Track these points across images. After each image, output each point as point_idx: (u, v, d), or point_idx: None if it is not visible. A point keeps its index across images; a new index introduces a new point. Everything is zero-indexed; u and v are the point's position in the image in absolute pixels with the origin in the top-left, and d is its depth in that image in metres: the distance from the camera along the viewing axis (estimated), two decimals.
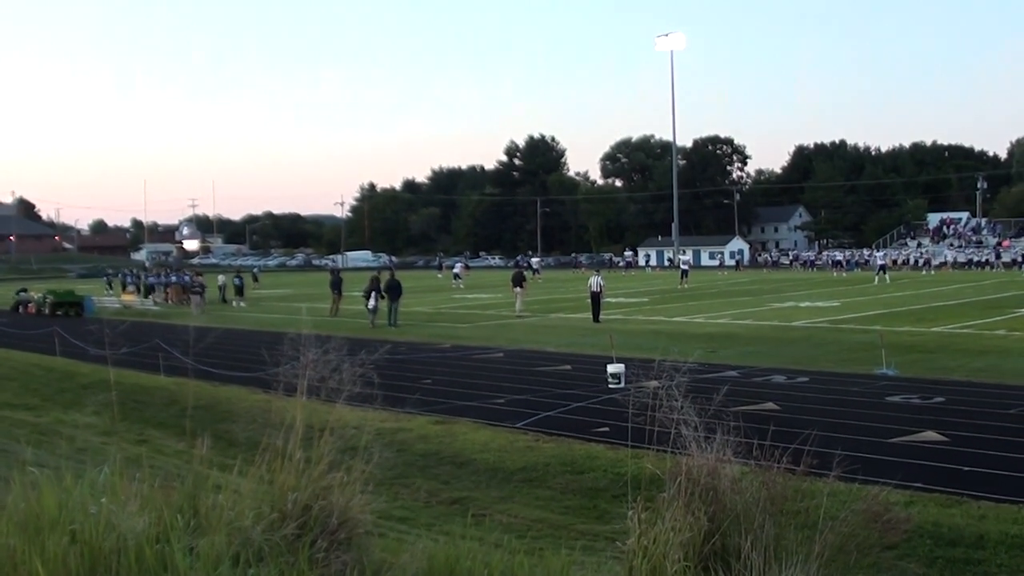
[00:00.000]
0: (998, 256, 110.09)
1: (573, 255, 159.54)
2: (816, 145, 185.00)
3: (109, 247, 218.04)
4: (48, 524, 5.87)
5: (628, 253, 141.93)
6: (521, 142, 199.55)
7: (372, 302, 42.48)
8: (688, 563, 6.39)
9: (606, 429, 17.48)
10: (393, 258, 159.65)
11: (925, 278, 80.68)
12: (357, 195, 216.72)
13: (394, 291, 42.58)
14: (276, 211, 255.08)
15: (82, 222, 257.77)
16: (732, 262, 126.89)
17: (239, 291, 62.18)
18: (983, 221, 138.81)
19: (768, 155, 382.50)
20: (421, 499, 14.05)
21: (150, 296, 66.91)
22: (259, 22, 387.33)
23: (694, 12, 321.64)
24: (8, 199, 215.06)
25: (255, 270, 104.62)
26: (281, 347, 7.40)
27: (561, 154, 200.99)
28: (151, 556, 5.63)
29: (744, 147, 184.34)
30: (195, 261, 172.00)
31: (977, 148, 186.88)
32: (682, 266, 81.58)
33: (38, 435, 18.93)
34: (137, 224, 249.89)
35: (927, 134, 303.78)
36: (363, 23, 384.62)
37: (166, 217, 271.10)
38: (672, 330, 37.02)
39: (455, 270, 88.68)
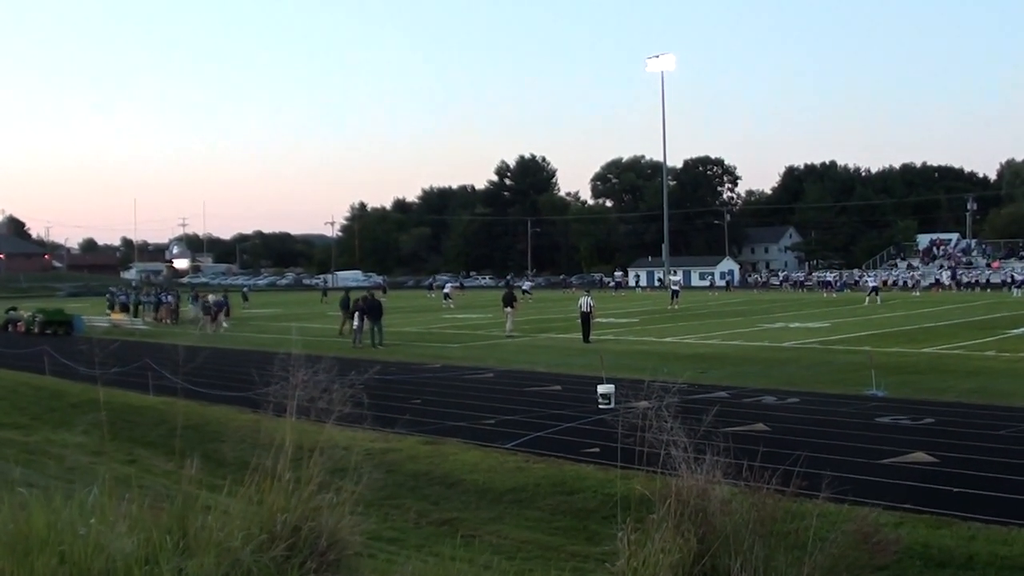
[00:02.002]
0: (954, 276, 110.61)
1: (563, 276, 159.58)
2: (806, 166, 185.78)
3: (99, 266, 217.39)
4: (37, 545, 5.85)
5: (618, 274, 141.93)
6: (512, 162, 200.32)
7: (357, 322, 42.93)
8: None
9: (596, 450, 17.47)
10: (384, 278, 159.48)
11: (915, 299, 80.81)
12: (347, 215, 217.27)
13: (374, 311, 42.66)
14: (266, 230, 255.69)
15: (72, 240, 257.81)
16: (722, 283, 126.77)
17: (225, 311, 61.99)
18: (973, 242, 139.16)
19: (758, 176, 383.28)
20: (411, 520, 14.03)
21: (139, 315, 66.73)
22: (250, 43, 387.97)
23: (685, 34, 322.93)
24: None
25: (245, 289, 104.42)
26: (271, 367, 7.40)
27: (552, 174, 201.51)
28: None
29: (734, 168, 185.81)
30: (184, 280, 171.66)
31: (967, 169, 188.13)
32: (672, 287, 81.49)
33: (27, 454, 18.92)
34: (127, 243, 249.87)
35: (917, 155, 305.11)
36: (352, 44, 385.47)
37: (156, 236, 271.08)
38: (662, 351, 37.01)
39: (445, 290, 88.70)
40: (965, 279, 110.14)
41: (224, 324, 57.67)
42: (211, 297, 58.58)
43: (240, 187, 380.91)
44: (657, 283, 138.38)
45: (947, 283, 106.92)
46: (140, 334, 53.60)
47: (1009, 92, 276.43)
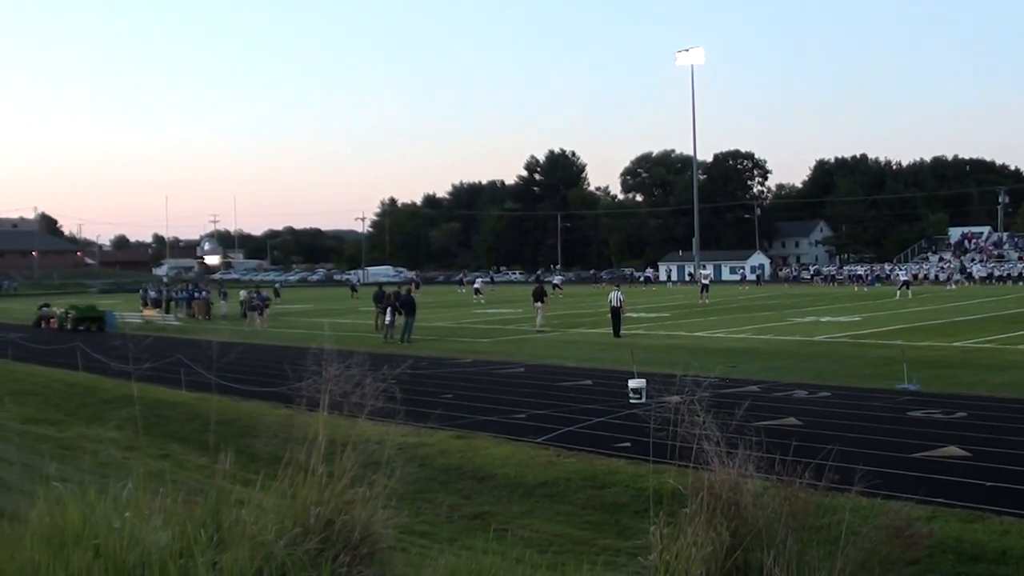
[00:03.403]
0: (963, 270, 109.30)
1: (592, 271, 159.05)
2: (837, 159, 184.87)
3: (131, 262, 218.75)
4: (72, 539, 5.90)
5: (649, 271, 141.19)
6: (541, 157, 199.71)
7: (389, 317, 42.97)
8: None
9: (627, 444, 17.48)
10: (417, 273, 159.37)
11: (947, 293, 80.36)
12: (378, 210, 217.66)
13: (407, 307, 42.73)
14: (297, 226, 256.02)
15: (104, 237, 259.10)
16: (753, 277, 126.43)
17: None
18: (1004, 235, 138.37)
19: (789, 169, 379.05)
20: (443, 514, 14.06)
21: (171, 311, 67.10)
22: (278, 40, 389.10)
23: (714, 27, 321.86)
24: (31, 215, 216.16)
25: (276, 285, 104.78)
26: (303, 362, 7.43)
27: (581, 169, 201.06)
28: (175, 571, 5.65)
29: (765, 161, 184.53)
30: (216, 276, 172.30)
31: (998, 162, 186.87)
32: (702, 280, 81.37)
33: (61, 450, 19.03)
34: (159, 239, 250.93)
35: (948, 148, 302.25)
36: (381, 40, 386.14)
37: (187, 232, 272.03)
38: (693, 345, 36.95)
39: (475, 285, 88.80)
40: (979, 273, 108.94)
41: (258, 321, 57.45)
42: (257, 294, 58.76)
43: (271, 183, 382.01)
44: (688, 277, 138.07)
45: (957, 278, 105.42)
46: (172, 330, 53.91)
47: None
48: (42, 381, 32.27)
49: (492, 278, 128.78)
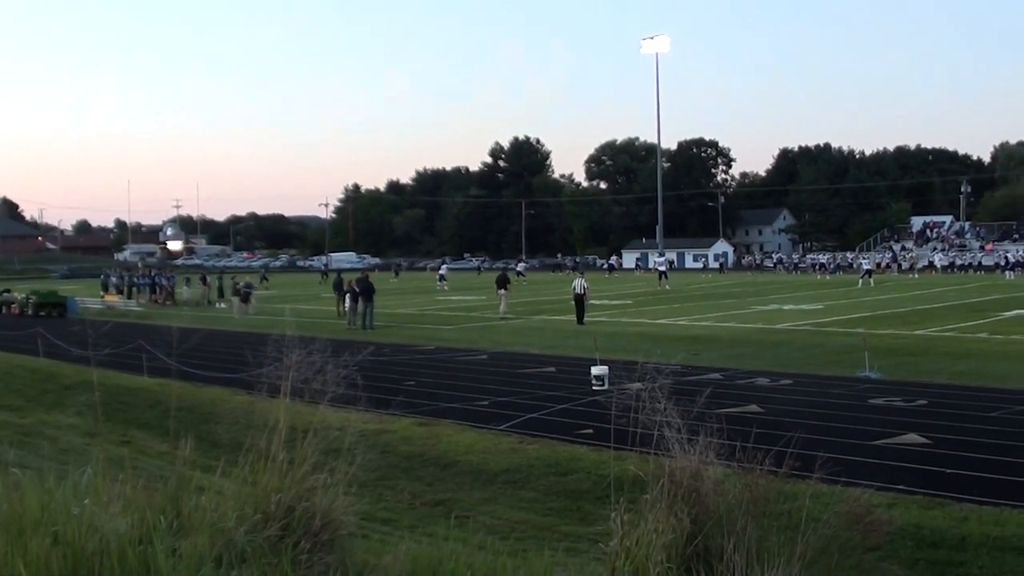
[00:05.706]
0: (896, 259, 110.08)
1: (559, 255, 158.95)
2: (800, 148, 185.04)
3: (93, 247, 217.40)
4: (30, 525, 5.85)
5: (614, 259, 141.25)
6: (506, 143, 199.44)
7: (350, 303, 42.95)
8: (671, 565, 6.39)
9: (590, 431, 17.51)
10: (396, 263, 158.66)
11: (910, 281, 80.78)
12: (341, 196, 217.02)
13: (367, 292, 42.55)
14: (260, 212, 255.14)
15: (65, 222, 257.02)
16: (716, 264, 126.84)
17: (222, 293, 62.44)
18: (966, 225, 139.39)
19: (752, 158, 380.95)
20: (405, 501, 14.06)
21: (133, 297, 66.87)
22: (243, 23, 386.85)
23: (679, 15, 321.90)
24: None
25: (263, 271, 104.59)
26: (265, 348, 7.40)
27: (546, 156, 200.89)
28: (134, 558, 5.61)
29: (728, 150, 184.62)
30: (179, 262, 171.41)
31: (961, 152, 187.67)
32: (659, 268, 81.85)
33: (21, 436, 18.90)
34: (121, 225, 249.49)
35: (911, 138, 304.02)
36: (347, 24, 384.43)
37: (150, 218, 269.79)
38: (656, 332, 37.02)
39: (440, 271, 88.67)
40: (941, 262, 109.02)
41: (220, 305, 57.32)
42: (241, 280, 58.54)
43: (234, 169, 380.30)
44: (653, 265, 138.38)
45: (891, 265, 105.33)
46: (134, 315, 53.62)
47: (1003, 74, 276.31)
48: (2, 367, 32.02)
49: (480, 268, 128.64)
